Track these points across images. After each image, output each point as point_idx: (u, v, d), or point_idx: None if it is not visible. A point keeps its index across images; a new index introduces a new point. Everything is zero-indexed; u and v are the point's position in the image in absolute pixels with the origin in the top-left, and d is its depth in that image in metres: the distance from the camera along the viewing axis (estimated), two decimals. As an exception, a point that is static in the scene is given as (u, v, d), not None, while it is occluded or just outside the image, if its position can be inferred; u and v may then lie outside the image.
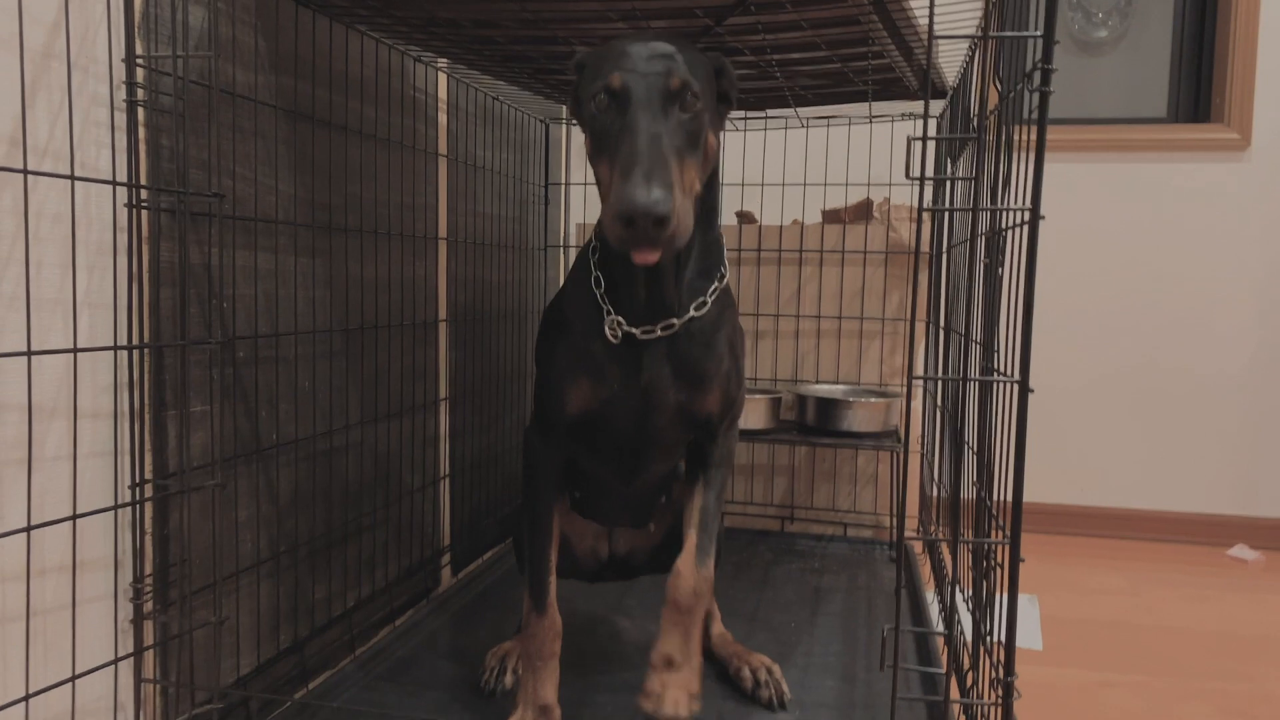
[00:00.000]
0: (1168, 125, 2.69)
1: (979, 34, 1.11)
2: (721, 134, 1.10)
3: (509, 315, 2.16)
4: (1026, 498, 0.93)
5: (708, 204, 1.11)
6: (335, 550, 1.48)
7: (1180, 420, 2.62)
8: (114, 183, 0.96)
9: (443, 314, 1.83)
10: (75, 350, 0.91)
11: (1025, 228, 0.89)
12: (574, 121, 2.37)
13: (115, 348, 0.97)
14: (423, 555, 1.79)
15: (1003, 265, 1.10)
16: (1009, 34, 0.91)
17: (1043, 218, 0.84)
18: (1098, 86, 2.81)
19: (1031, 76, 0.84)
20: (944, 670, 1.25)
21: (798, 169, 2.31)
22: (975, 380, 1.08)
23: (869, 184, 2.18)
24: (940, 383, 1.90)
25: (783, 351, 2.24)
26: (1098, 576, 2.27)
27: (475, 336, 1.98)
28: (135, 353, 1.03)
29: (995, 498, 1.06)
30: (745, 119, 2.24)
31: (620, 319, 1.08)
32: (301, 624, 1.40)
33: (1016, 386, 0.88)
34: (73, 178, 0.91)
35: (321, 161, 1.40)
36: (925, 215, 2.13)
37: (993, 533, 1.10)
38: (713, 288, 1.12)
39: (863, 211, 2.22)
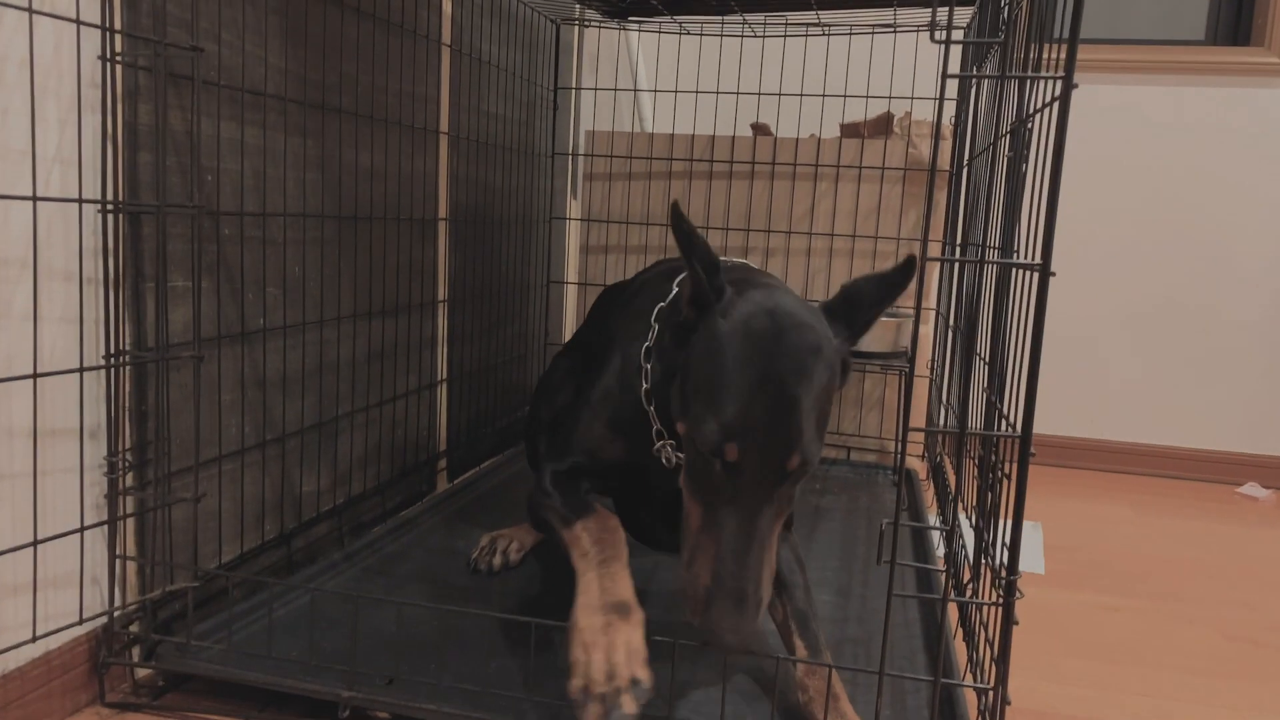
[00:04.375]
0: (1205, 47, 2.57)
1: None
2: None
3: (514, 221, 2.10)
4: (1034, 429, 0.88)
5: None
6: (326, 445, 1.45)
7: (1195, 357, 2.55)
8: (78, 21, 0.90)
9: (443, 212, 1.77)
10: (35, 199, 0.86)
11: (1056, 105, 0.82)
12: (589, 24, 2.29)
13: (80, 200, 0.92)
14: (418, 459, 1.76)
15: (1026, 160, 1.04)
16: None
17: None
18: (1134, 2, 2.69)
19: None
20: (941, 568, 1.22)
21: (817, 80, 2.23)
22: (994, 263, 1.02)
23: (890, 97, 2.09)
24: (953, 302, 1.84)
25: (793, 269, 2.17)
26: (1104, 508, 2.24)
27: (477, 239, 1.92)
28: (109, 216, 0.98)
29: (1006, 401, 1.02)
30: (765, 23, 2.15)
31: (671, 443, 1.03)
32: (288, 517, 1.37)
33: (1038, 274, 0.82)
34: (30, 10, 0.85)
35: (315, 36, 1.33)
36: (946, 129, 2.05)
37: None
38: None
39: (882, 126, 2.14)
